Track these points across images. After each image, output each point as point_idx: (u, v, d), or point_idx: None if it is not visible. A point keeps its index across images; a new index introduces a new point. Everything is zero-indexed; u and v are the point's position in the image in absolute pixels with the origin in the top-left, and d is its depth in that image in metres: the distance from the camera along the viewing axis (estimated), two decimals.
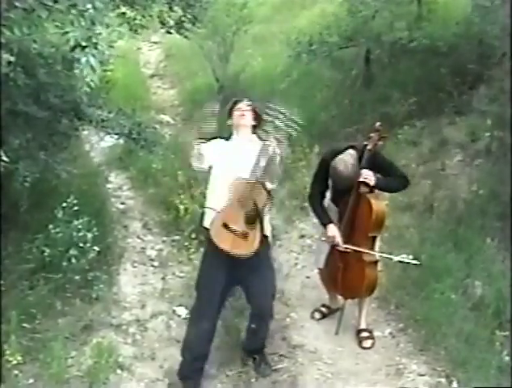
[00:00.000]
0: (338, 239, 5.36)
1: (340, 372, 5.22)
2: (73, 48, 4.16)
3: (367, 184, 5.17)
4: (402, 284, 6.05)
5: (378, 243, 5.52)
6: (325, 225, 5.47)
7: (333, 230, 5.39)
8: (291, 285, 6.48)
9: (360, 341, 5.57)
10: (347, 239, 5.38)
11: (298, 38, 9.75)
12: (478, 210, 6.79)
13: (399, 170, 5.42)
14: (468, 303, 5.60)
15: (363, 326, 5.66)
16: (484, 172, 7.32)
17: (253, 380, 5.13)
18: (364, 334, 5.61)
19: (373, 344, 5.53)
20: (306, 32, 10.04)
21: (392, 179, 5.31)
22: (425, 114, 8.68)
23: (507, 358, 4.90)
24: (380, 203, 5.33)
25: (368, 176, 5.14)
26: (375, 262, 5.41)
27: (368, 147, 5.21)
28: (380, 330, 5.72)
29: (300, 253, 7.21)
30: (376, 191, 5.35)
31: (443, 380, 4.93)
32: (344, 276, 5.51)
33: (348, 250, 5.36)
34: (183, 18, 7.84)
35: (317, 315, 6.00)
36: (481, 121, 7.90)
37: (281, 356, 5.45)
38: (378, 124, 5.28)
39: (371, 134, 5.25)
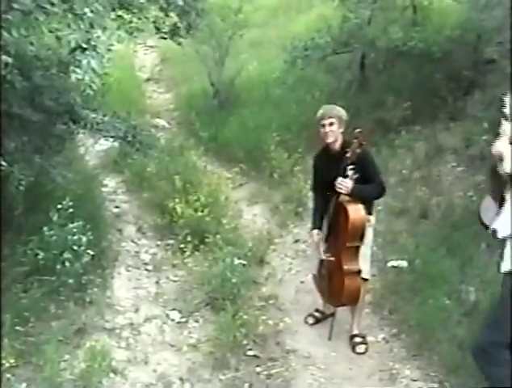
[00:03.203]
0: (320, 248, 5.45)
1: (333, 377, 5.21)
2: (72, 50, 4.16)
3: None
4: (396, 290, 6.06)
5: (368, 252, 5.52)
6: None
7: (314, 237, 5.52)
8: (285, 290, 6.48)
9: (353, 346, 5.55)
10: (330, 247, 5.45)
11: (293, 43, 9.78)
12: (472, 216, 6.77)
13: (379, 178, 5.41)
14: (462, 309, 5.59)
15: (355, 331, 5.65)
16: (479, 177, 7.33)
17: (246, 385, 5.12)
18: (357, 339, 5.60)
19: (366, 349, 5.52)
20: (301, 37, 10.07)
21: (370, 187, 5.33)
22: (420, 119, 8.71)
23: None
24: (358, 211, 5.26)
25: (342, 185, 5.18)
26: (357, 272, 5.37)
27: (347, 155, 5.18)
28: (374, 335, 5.72)
29: (294, 258, 7.22)
30: None
31: (436, 385, 4.93)
32: (329, 283, 5.59)
33: (330, 259, 5.42)
34: (178, 25, 7.86)
35: (311, 320, 6.00)
36: (476, 127, 7.91)
37: (275, 360, 5.44)
38: (357, 130, 5.18)
39: (352, 140, 5.19)
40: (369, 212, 5.48)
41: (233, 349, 5.43)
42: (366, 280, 5.52)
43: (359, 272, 5.38)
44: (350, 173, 5.20)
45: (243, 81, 11.77)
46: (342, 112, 5.46)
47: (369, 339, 5.64)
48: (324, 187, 5.51)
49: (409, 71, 9.51)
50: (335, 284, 5.48)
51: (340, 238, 5.35)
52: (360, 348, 5.53)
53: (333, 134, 5.37)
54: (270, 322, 5.90)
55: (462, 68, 8.70)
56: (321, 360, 5.46)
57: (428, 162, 8.12)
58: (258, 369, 5.32)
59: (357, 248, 5.36)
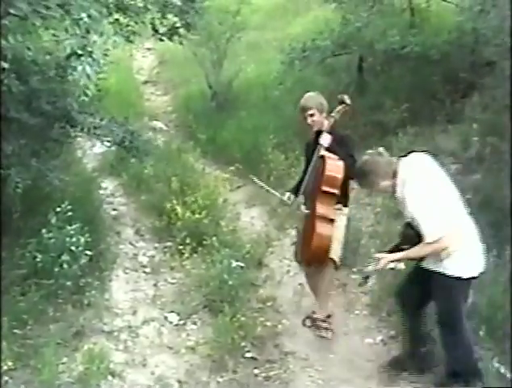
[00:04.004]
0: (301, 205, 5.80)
1: (331, 379, 5.22)
2: (68, 57, 4.16)
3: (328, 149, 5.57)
4: (394, 292, 6.05)
5: (339, 236, 5.65)
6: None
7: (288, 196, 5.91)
8: (283, 292, 6.49)
9: (316, 329, 5.62)
10: (308, 203, 5.72)
11: (291, 44, 9.79)
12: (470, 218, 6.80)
13: (353, 157, 5.55)
14: None
15: (318, 315, 5.63)
16: (477, 179, 7.34)
17: (244, 387, 5.12)
18: (319, 323, 5.61)
19: (332, 335, 5.59)
20: (299, 39, 10.08)
21: (346, 155, 5.55)
22: (418, 122, 8.71)
23: (498, 366, 4.90)
24: (336, 162, 5.51)
25: (324, 137, 5.58)
26: (331, 220, 5.52)
27: (332, 114, 5.71)
28: (372, 337, 5.72)
29: (292, 260, 7.20)
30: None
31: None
32: (302, 236, 5.79)
33: (305, 211, 5.69)
34: (177, 25, 7.85)
35: (309, 322, 6.00)
36: (473, 129, 7.92)
37: (273, 362, 5.45)
38: (341, 95, 5.75)
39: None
40: (345, 205, 5.76)
41: (231, 351, 5.44)
42: (335, 263, 5.62)
43: (332, 220, 5.52)
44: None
45: (241, 83, 11.77)
46: (320, 99, 5.80)
47: (367, 340, 5.66)
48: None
49: (407, 73, 9.51)
50: (307, 233, 5.64)
51: (316, 186, 5.57)
52: (321, 332, 5.59)
53: (317, 123, 5.74)
54: (268, 324, 5.91)
55: (459, 70, 8.71)
56: (319, 362, 5.47)
57: None
58: (256, 371, 5.33)
59: (332, 196, 5.54)
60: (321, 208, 5.52)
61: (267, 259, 7.17)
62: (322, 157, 5.57)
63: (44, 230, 5.92)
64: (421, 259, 4.61)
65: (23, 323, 5.44)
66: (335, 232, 5.56)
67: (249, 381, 5.20)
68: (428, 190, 4.42)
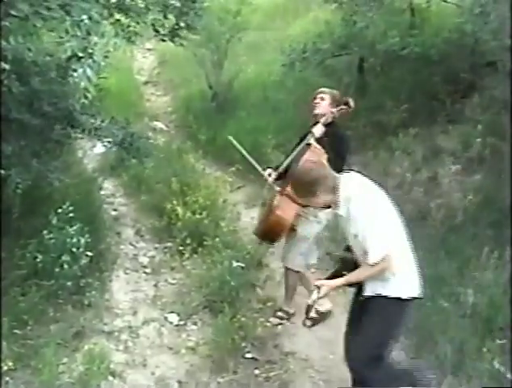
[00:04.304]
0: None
1: (331, 379, 5.22)
2: (69, 59, 4.17)
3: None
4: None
5: (301, 243, 5.82)
6: None
7: (266, 172, 6.16)
8: (283, 293, 6.48)
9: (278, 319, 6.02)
10: (285, 182, 5.77)
11: (291, 45, 9.79)
12: (470, 218, 6.81)
13: (340, 160, 5.57)
14: (460, 311, 5.60)
15: (284, 307, 6.08)
16: (477, 180, 7.35)
17: (245, 387, 5.12)
18: (280, 313, 6.07)
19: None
20: (299, 40, 10.08)
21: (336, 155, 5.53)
22: (418, 122, 8.71)
23: (498, 366, 4.90)
24: (318, 156, 5.45)
25: (317, 127, 5.70)
26: (294, 207, 5.56)
27: (333, 109, 5.81)
28: None
29: None
30: None
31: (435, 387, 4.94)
32: (265, 213, 6.02)
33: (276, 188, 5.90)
34: (177, 26, 7.85)
35: (308, 322, 6.00)
36: (474, 129, 7.92)
37: (273, 363, 5.45)
38: (347, 97, 5.90)
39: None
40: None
41: (232, 352, 5.44)
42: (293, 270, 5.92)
43: (295, 208, 5.59)
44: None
45: (241, 83, 11.77)
46: (336, 93, 5.94)
47: None
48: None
49: (407, 74, 9.50)
50: (269, 209, 5.85)
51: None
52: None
53: (322, 107, 5.85)
54: (269, 324, 5.91)
55: (460, 70, 8.70)
56: (320, 362, 5.47)
57: (426, 164, 8.13)
58: (257, 372, 5.33)
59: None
60: (290, 192, 5.52)
61: (268, 260, 7.17)
62: (308, 145, 5.61)
63: (44, 231, 5.93)
64: (360, 290, 4.42)
65: (23, 324, 5.43)
66: (298, 236, 5.78)
67: (249, 381, 5.20)
68: (374, 209, 4.20)
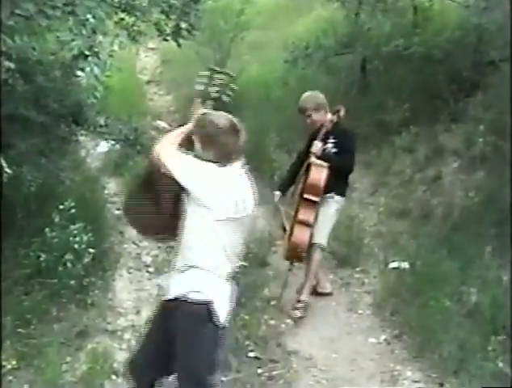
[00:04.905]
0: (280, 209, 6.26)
1: (335, 378, 5.22)
2: (75, 57, 4.17)
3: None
4: (397, 291, 6.06)
5: (326, 223, 5.97)
6: None
7: (275, 197, 6.25)
8: (286, 292, 6.48)
9: (293, 310, 6.04)
10: (294, 203, 6.03)
11: (294, 43, 9.80)
12: (473, 217, 6.80)
13: (351, 155, 5.94)
14: (463, 310, 5.60)
15: (302, 297, 6.06)
16: (480, 179, 7.34)
17: (248, 386, 5.12)
18: (299, 305, 6.03)
19: (301, 317, 5.97)
20: (302, 38, 10.08)
21: (340, 157, 5.84)
22: (421, 121, 8.71)
23: (501, 365, 4.90)
24: (320, 169, 5.75)
25: (315, 147, 5.75)
26: (307, 224, 5.81)
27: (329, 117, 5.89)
28: (375, 336, 5.72)
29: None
30: None
31: (437, 387, 4.94)
32: (287, 235, 6.14)
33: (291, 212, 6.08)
34: (180, 26, 7.85)
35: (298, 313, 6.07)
36: (477, 128, 7.92)
37: (276, 362, 5.44)
38: (339, 106, 5.89)
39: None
40: (341, 193, 6.01)
41: (235, 351, 5.43)
42: (321, 248, 5.99)
43: (308, 225, 5.81)
44: (329, 145, 5.87)
45: (244, 82, 11.74)
46: (316, 99, 5.99)
47: (370, 340, 5.66)
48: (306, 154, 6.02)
49: (410, 73, 9.50)
50: (289, 233, 6.03)
51: (300, 191, 5.90)
52: (295, 314, 5.98)
53: (316, 123, 5.93)
54: (272, 323, 5.91)
55: (463, 69, 8.70)
56: (323, 361, 5.46)
57: (429, 163, 8.13)
58: (260, 371, 5.32)
59: (313, 203, 5.79)
60: (301, 214, 5.86)
61: (271, 259, 7.16)
62: (309, 164, 5.80)
63: (47, 230, 5.93)
64: None
65: (26, 323, 5.43)
66: (321, 218, 5.88)
67: (252, 380, 5.18)
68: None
